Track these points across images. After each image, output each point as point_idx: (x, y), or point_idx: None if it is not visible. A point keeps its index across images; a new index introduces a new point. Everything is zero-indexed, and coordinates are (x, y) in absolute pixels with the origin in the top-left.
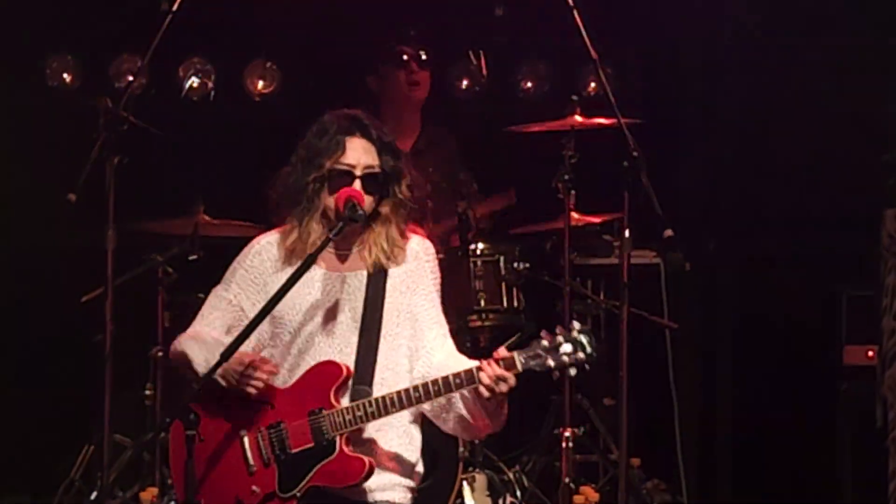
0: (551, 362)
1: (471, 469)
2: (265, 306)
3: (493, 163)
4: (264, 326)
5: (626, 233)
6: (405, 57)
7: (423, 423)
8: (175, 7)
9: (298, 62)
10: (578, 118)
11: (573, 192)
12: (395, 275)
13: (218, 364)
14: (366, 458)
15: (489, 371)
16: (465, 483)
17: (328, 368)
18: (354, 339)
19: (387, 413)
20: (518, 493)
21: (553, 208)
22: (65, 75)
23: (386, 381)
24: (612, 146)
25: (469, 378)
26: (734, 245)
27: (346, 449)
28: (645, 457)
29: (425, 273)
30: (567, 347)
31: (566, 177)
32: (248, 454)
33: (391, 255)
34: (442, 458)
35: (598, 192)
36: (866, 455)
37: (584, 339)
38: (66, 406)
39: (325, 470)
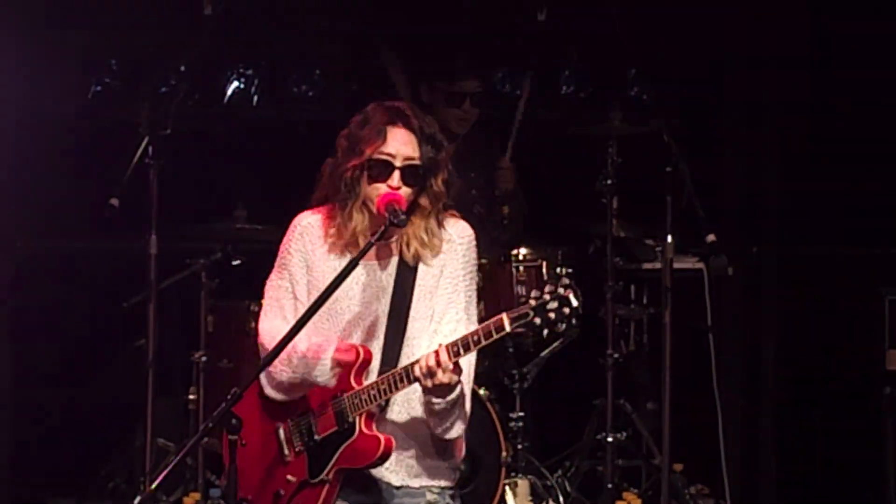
0: (538, 320)
1: (513, 474)
2: (314, 304)
3: (535, 167)
4: (307, 303)
5: (669, 238)
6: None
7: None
8: (216, 10)
9: (342, 67)
10: (620, 122)
11: (615, 196)
12: (423, 265)
13: (261, 369)
14: (382, 437)
15: (421, 363)
16: (507, 488)
17: (350, 352)
18: (384, 325)
19: (395, 389)
20: (560, 499)
21: (596, 212)
22: (107, 80)
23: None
24: (654, 151)
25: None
26: (777, 249)
27: (364, 429)
28: (688, 462)
29: (456, 256)
30: (553, 304)
31: (608, 181)
32: (284, 445)
33: (430, 246)
34: (484, 463)
35: (640, 196)
36: None
37: (569, 293)
38: (110, 411)
39: (347, 451)
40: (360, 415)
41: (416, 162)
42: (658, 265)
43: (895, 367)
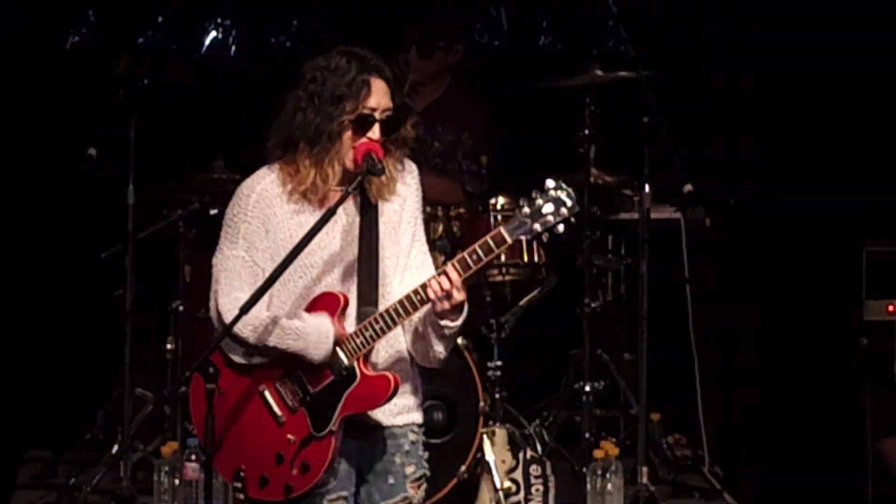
0: (538, 226)
1: (491, 423)
2: (284, 260)
3: (512, 117)
4: (268, 270)
5: (647, 188)
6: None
7: (442, 375)
8: None
9: (318, 18)
10: (598, 73)
11: (593, 146)
12: (385, 198)
13: (237, 319)
14: (389, 374)
15: (436, 284)
16: (485, 437)
17: (325, 299)
18: (355, 267)
19: (394, 324)
20: (538, 448)
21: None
22: (84, 30)
23: (388, 299)
24: (632, 102)
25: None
26: (754, 200)
27: (366, 371)
28: (665, 411)
29: (412, 191)
30: (549, 207)
31: (586, 131)
32: (274, 407)
33: (388, 187)
34: (461, 412)
35: (618, 146)
36: (887, 410)
37: (562, 194)
38: (87, 361)
39: (352, 397)
40: (358, 358)
41: (391, 112)
42: (635, 215)
43: (873, 317)
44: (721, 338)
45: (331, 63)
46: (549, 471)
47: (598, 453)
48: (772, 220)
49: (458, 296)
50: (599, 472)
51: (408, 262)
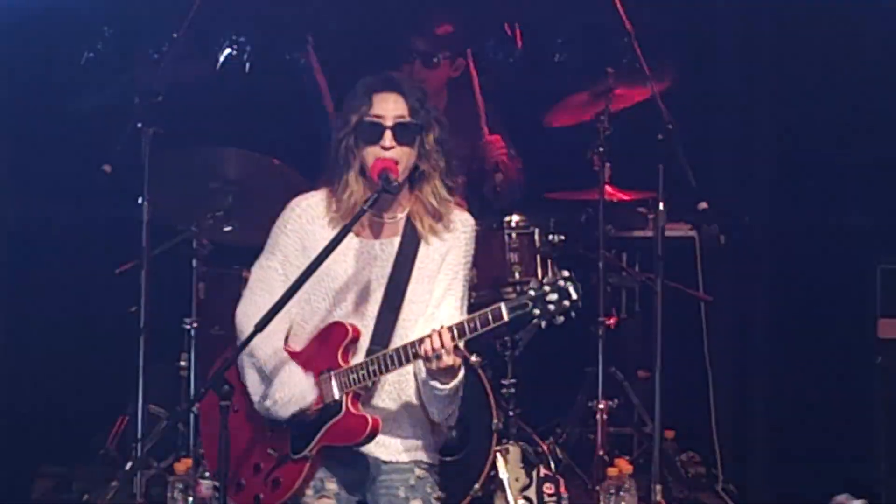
0: (536, 311)
1: (504, 441)
2: (300, 276)
3: (528, 135)
4: (303, 292)
5: (661, 205)
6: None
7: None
8: None
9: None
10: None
11: (608, 164)
12: (429, 241)
13: (252, 335)
14: (369, 417)
15: (428, 343)
16: (498, 455)
17: (335, 329)
18: (378, 303)
19: (387, 370)
20: (552, 465)
21: (588, 180)
22: (99, 46)
23: (404, 342)
24: (647, 120)
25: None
26: (769, 218)
27: (351, 408)
28: (679, 429)
29: (459, 244)
30: (553, 296)
31: (601, 149)
32: (266, 418)
33: (442, 222)
34: (475, 429)
35: (633, 164)
36: None
37: (570, 286)
38: (101, 377)
39: (332, 429)
40: (348, 393)
41: (407, 119)
42: (650, 233)
43: (887, 335)
44: (735, 355)
45: (352, 90)
46: (562, 489)
47: (611, 471)
48: (786, 238)
49: (448, 359)
50: (613, 491)
51: (435, 313)
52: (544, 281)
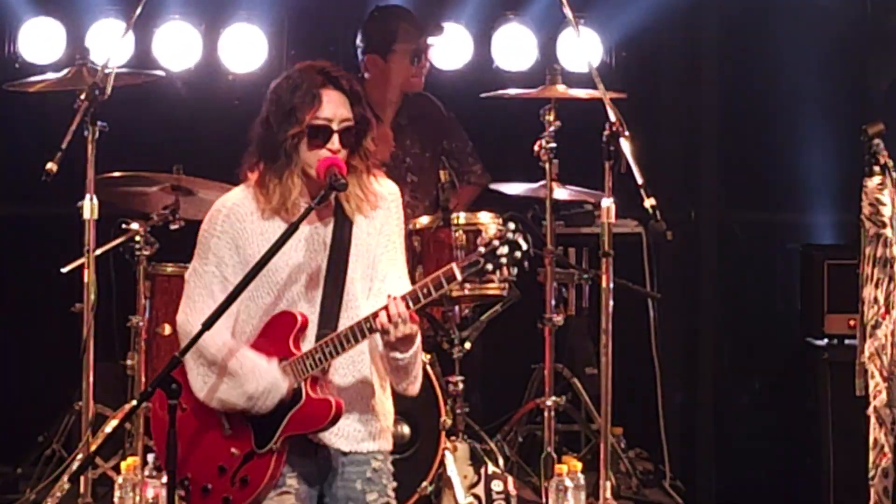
0: (489, 266)
1: (453, 438)
2: (249, 273)
3: (474, 131)
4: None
5: (609, 202)
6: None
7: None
8: None
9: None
10: (560, 87)
11: (555, 160)
12: (361, 219)
13: (200, 333)
14: (332, 399)
15: (384, 314)
16: (447, 452)
17: (283, 319)
18: (321, 287)
19: (342, 350)
20: (500, 462)
21: (534, 177)
22: (43, 41)
23: (351, 322)
24: (594, 116)
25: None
26: (715, 213)
27: (311, 393)
28: (627, 426)
29: (391, 214)
30: (503, 249)
31: (548, 145)
32: (223, 418)
33: (367, 201)
34: (424, 427)
35: (580, 161)
36: (847, 424)
37: (518, 237)
38: (47, 377)
39: (295, 418)
40: (305, 380)
41: (351, 123)
42: (597, 229)
43: (834, 331)
44: (683, 352)
45: (288, 81)
46: (510, 486)
47: (559, 468)
48: (733, 234)
49: (405, 328)
50: (561, 488)
51: (382, 287)
52: (493, 235)
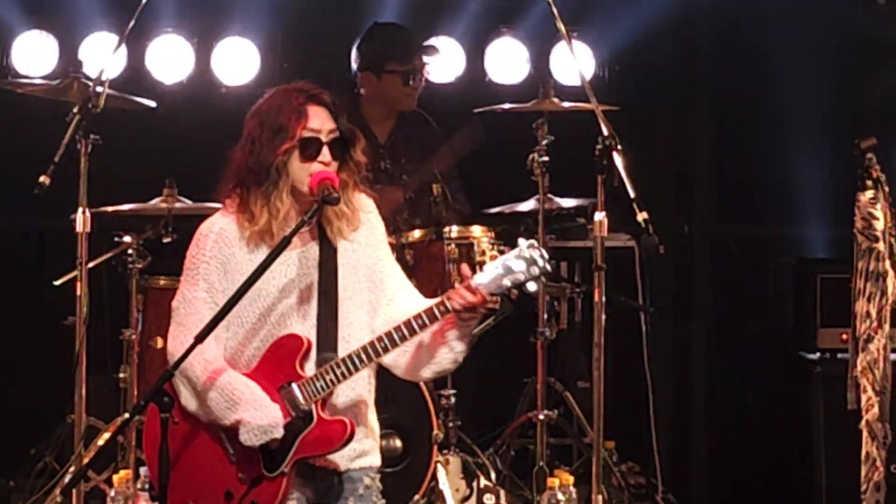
0: (507, 282)
1: (445, 452)
2: (236, 293)
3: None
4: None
5: (601, 215)
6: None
7: (397, 404)
8: None
9: (275, 44)
10: (553, 101)
11: (548, 174)
12: (344, 243)
13: (186, 354)
14: (346, 419)
15: (457, 298)
16: (439, 466)
17: (288, 342)
18: (315, 309)
19: (356, 369)
20: (492, 476)
21: (527, 191)
22: (36, 54)
23: (349, 342)
24: (587, 130)
25: (432, 316)
26: (708, 228)
27: (323, 415)
28: (619, 440)
29: (372, 226)
30: (521, 265)
31: (541, 159)
32: (227, 444)
33: (350, 221)
34: (416, 441)
35: (573, 175)
36: (840, 438)
37: (535, 254)
38: (40, 389)
39: (307, 440)
40: (316, 402)
41: (337, 134)
42: (590, 243)
43: (826, 345)
44: (675, 366)
45: (269, 103)
46: (502, 499)
47: (551, 482)
48: (726, 248)
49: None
50: (553, 502)
51: (393, 293)
52: (510, 253)
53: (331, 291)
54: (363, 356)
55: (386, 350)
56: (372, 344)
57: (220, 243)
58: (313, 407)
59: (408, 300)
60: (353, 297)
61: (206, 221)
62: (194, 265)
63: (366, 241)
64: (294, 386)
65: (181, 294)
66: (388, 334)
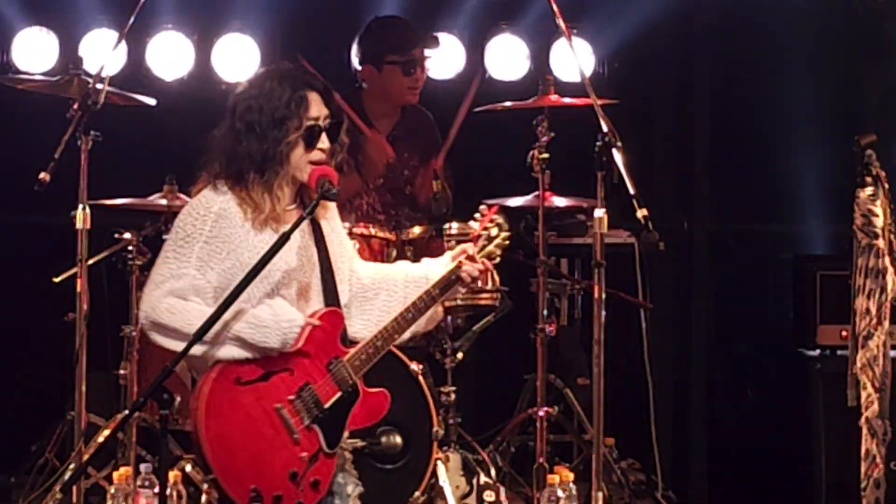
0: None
1: (445, 449)
2: (241, 283)
3: (466, 143)
4: (223, 288)
5: (601, 212)
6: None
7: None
8: None
9: (274, 41)
10: (553, 97)
11: (548, 171)
12: (323, 223)
13: (191, 344)
14: (384, 390)
15: (468, 269)
16: (439, 463)
17: (331, 318)
18: (319, 285)
19: (392, 341)
20: (492, 473)
21: (527, 187)
22: (36, 50)
23: (349, 315)
24: (587, 126)
25: (448, 285)
26: (708, 224)
27: (365, 388)
28: (619, 436)
29: (333, 212)
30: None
31: (541, 156)
32: (291, 424)
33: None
34: (415, 437)
35: (572, 171)
36: (839, 435)
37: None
38: (40, 386)
39: (355, 414)
40: (360, 376)
41: (332, 118)
42: (589, 240)
43: (826, 342)
44: (675, 362)
45: (262, 88)
46: (502, 496)
47: (552, 479)
48: (726, 245)
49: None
50: (553, 498)
51: (354, 265)
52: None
53: (326, 267)
54: (396, 326)
55: (413, 320)
56: (403, 315)
57: (222, 223)
58: (356, 381)
59: (366, 267)
60: (339, 269)
61: (199, 198)
62: (188, 243)
63: (331, 215)
64: (341, 362)
65: (166, 267)
66: (414, 304)
